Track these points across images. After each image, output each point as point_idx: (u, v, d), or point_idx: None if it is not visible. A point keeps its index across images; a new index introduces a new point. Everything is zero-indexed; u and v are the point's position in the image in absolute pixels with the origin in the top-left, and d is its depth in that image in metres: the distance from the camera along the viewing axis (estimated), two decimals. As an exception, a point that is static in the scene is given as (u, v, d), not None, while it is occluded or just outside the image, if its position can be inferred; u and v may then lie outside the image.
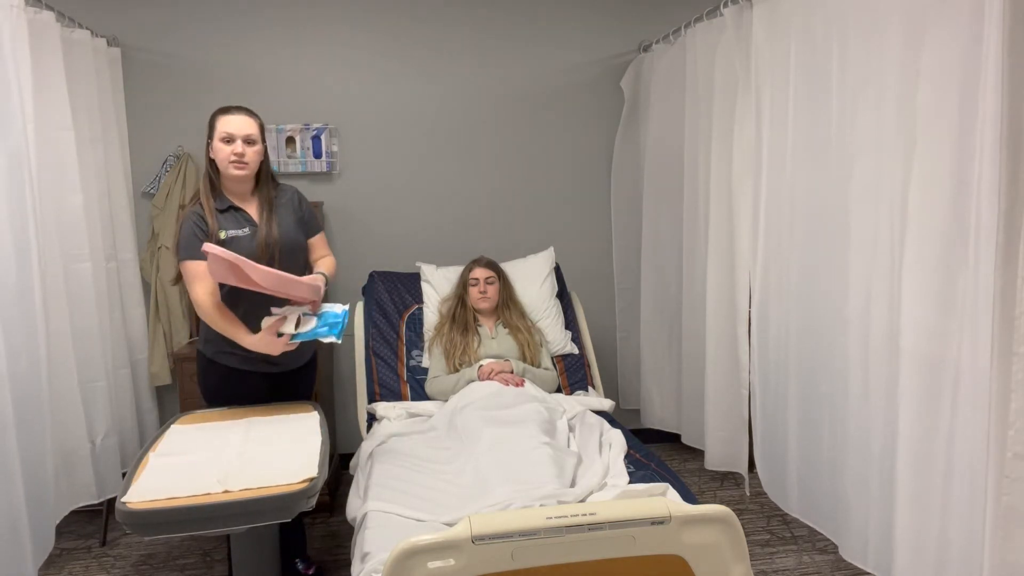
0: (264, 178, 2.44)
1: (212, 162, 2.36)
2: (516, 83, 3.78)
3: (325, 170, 3.67)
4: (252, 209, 2.42)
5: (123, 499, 1.69)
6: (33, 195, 2.43)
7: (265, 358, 2.42)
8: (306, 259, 2.56)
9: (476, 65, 3.74)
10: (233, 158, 2.30)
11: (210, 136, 2.34)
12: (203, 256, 2.28)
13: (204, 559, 2.93)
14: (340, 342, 2.31)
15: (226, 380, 2.43)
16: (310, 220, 2.57)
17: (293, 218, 2.49)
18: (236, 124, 2.31)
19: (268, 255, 2.37)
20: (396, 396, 3.06)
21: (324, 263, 2.56)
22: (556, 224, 3.88)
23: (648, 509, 1.68)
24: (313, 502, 1.80)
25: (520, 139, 3.82)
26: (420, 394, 3.04)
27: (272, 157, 3.56)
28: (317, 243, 2.59)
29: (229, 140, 2.30)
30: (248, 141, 2.32)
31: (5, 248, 2.32)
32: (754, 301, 2.83)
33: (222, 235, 2.33)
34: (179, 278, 2.39)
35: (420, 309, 3.29)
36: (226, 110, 2.35)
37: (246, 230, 2.37)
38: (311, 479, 1.78)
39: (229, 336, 2.29)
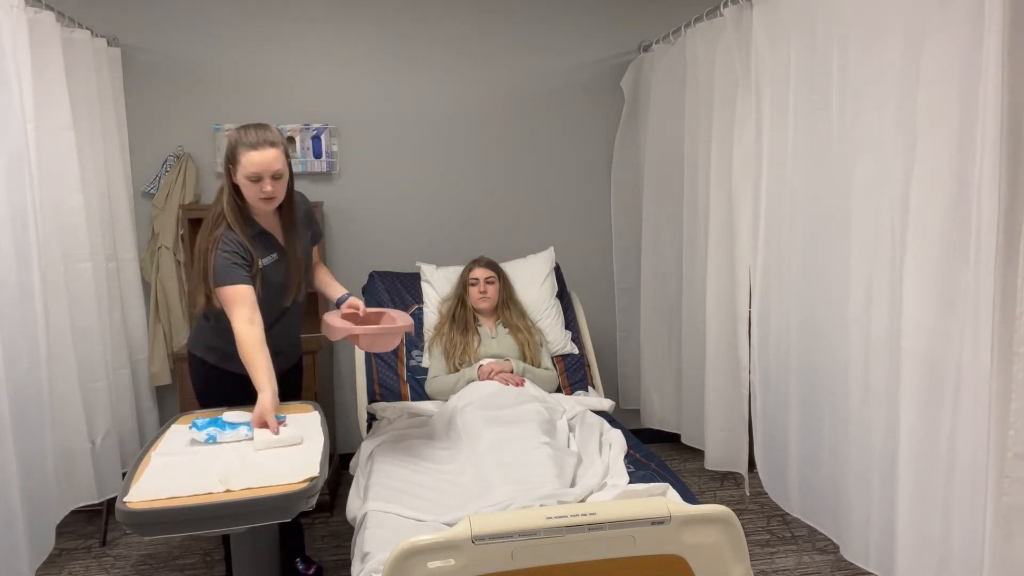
0: (289, 200, 2.35)
1: (235, 187, 2.24)
2: (516, 83, 3.78)
3: (325, 170, 3.67)
4: (278, 233, 2.38)
5: (123, 499, 1.69)
6: (33, 195, 2.42)
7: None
8: (311, 272, 2.58)
9: (476, 65, 3.74)
10: (263, 195, 2.19)
11: (232, 162, 2.21)
12: (246, 278, 2.22)
13: (204, 559, 2.93)
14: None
15: (227, 385, 2.42)
16: (317, 231, 2.58)
17: (308, 234, 2.49)
18: (262, 162, 2.15)
19: (296, 279, 2.38)
20: (396, 396, 3.06)
21: (330, 280, 2.59)
22: (556, 224, 3.88)
23: (648, 509, 1.68)
24: (313, 502, 1.80)
25: (520, 139, 3.82)
26: (420, 394, 3.04)
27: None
28: (315, 250, 2.61)
29: (256, 179, 2.17)
30: (276, 177, 2.19)
31: (5, 248, 2.32)
32: (754, 301, 2.82)
33: (260, 263, 2.29)
34: (207, 302, 2.27)
35: (420, 309, 3.29)
36: (249, 141, 2.17)
37: (274, 256, 2.34)
38: (311, 479, 1.78)
39: (247, 364, 2.17)
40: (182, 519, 1.68)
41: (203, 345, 2.44)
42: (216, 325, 2.37)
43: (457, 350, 3.01)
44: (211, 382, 2.46)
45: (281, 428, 2.09)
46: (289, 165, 2.27)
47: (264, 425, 2.06)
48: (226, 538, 2.51)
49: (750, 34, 2.71)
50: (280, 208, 2.34)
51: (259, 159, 2.15)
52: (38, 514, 2.44)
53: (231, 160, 2.21)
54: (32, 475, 2.40)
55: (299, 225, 2.42)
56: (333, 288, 2.56)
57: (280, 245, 2.36)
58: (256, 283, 2.26)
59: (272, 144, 2.19)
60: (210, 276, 2.22)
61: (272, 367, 2.18)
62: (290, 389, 2.62)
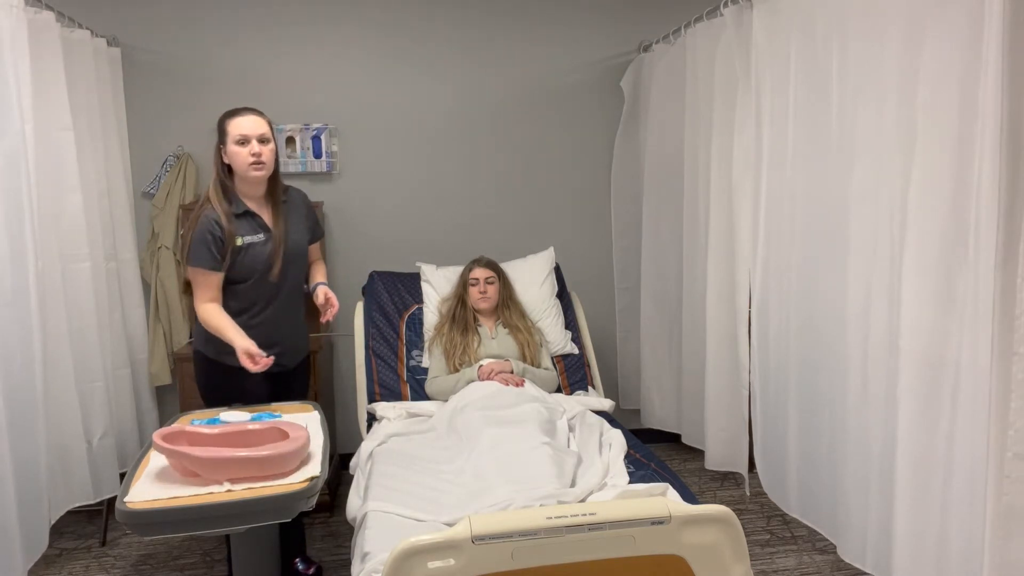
0: (276, 181, 2.45)
1: (225, 166, 2.36)
2: (516, 83, 3.78)
3: (325, 170, 3.67)
4: (265, 214, 2.43)
5: (123, 499, 1.69)
6: (30, 195, 2.42)
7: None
8: (306, 264, 2.60)
9: (476, 65, 3.74)
10: (252, 159, 2.30)
11: (222, 141, 2.35)
12: (214, 265, 2.31)
13: (204, 559, 2.93)
14: None
15: (228, 379, 2.44)
16: (316, 226, 2.63)
17: (303, 224, 2.53)
18: (249, 125, 2.31)
19: (280, 261, 2.41)
20: (396, 396, 3.05)
21: (320, 270, 2.67)
22: (556, 224, 3.88)
23: (648, 509, 1.68)
24: (313, 502, 1.80)
25: (520, 139, 3.82)
26: (420, 394, 3.04)
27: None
28: (315, 247, 2.66)
29: (244, 142, 2.30)
30: (262, 140, 2.33)
31: (0, 249, 2.32)
32: (754, 301, 2.82)
33: (238, 241, 2.34)
34: (188, 286, 2.40)
35: (420, 309, 3.29)
36: (234, 112, 2.35)
37: (260, 236, 2.39)
38: (312, 479, 1.78)
39: (220, 335, 2.31)
40: (182, 519, 1.68)
41: (202, 339, 2.47)
42: None
43: (457, 350, 3.01)
44: (210, 376, 2.48)
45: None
46: (275, 143, 2.41)
47: (252, 358, 2.23)
48: (227, 538, 2.51)
49: (750, 34, 2.71)
50: (269, 187, 2.43)
51: (245, 122, 2.32)
52: (31, 514, 2.44)
53: (220, 137, 2.35)
54: (25, 475, 2.39)
55: (290, 211, 2.48)
56: (315, 278, 2.65)
57: (267, 225, 2.41)
58: (238, 260, 2.35)
59: (256, 112, 2.37)
60: (185, 251, 2.35)
61: (238, 326, 2.31)
62: (297, 390, 2.63)
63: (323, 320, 2.57)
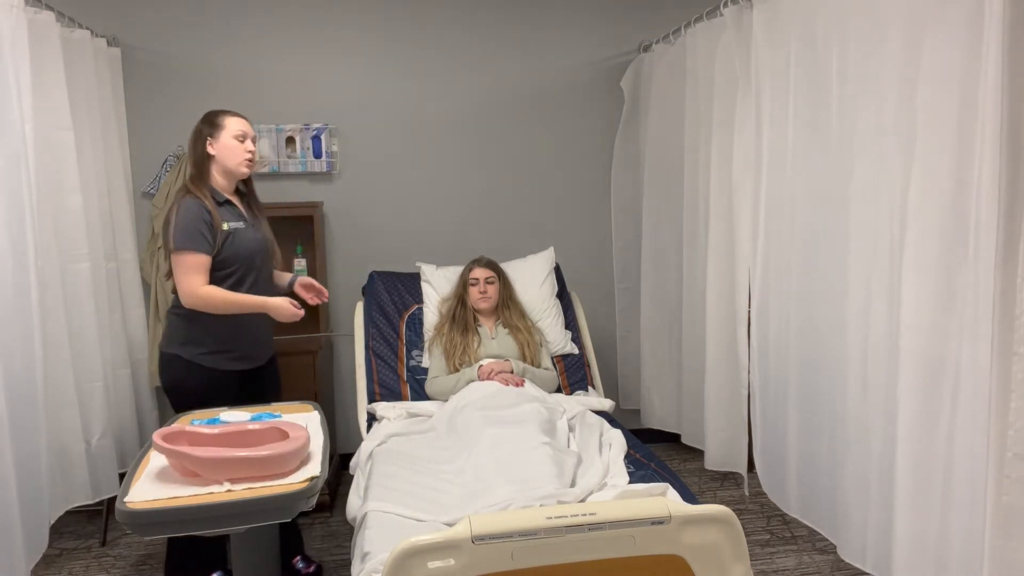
0: (251, 180, 2.57)
1: (210, 157, 2.42)
2: (516, 83, 3.78)
3: (325, 170, 3.67)
4: (240, 205, 2.52)
5: (123, 499, 1.69)
6: (31, 195, 2.42)
7: (245, 354, 2.47)
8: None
9: (476, 65, 3.74)
10: (247, 156, 2.43)
11: (212, 134, 2.41)
12: (208, 248, 2.33)
13: (204, 559, 2.93)
14: None
15: (202, 381, 2.41)
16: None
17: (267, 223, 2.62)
18: (245, 125, 2.44)
19: (268, 251, 2.50)
20: (396, 396, 3.06)
21: (278, 272, 2.73)
22: (556, 224, 3.88)
23: (648, 509, 1.68)
24: (313, 502, 1.80)
25: (520, 139, 3.82)
26: (420, 394, 3.04)
27: (272, 157, 3.59)
28: None
29: (243, 138, 2.42)
30: (254, 141, 2.47)
31: (2, 248, 2.32)
32: (754, 301, 2.83)
33: (225, 226, 2.39)
34: (171, 272, 2.38)
35: (420, 309, 3.29)
36: (229, 112, 2.45)
37: (241, 223, 2.45)
38: (312, 479, 1.78)
39: (239, 306, 2.36)
40: (182, 519, 1.68)
41: (177, 342, 2.43)
42: (189, 318, 2.39)
43: (457, 350, 3.01)
44: (187, 377, 2.43)
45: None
46: None
47: (292, 309, 2.38)
48: (227, 538, 2.51)
49: (750, 34, 2.71)
50: (245, 189, 2.54)
51: (242, 122, 2.45)
52: (32, 514, 2.44)
53: (212, 130, 2.40)
54: (25, 475, 2.39)
55: (262, 211, 2.59)
56: (282, 277, 2.70)
57: (243, 215, 2.49)
58: (226, 244, 2.38)
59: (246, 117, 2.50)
60: (170, 239, 2.32)
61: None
62: (271, 387, 2.62)
63: (313, 303, 2.66)
